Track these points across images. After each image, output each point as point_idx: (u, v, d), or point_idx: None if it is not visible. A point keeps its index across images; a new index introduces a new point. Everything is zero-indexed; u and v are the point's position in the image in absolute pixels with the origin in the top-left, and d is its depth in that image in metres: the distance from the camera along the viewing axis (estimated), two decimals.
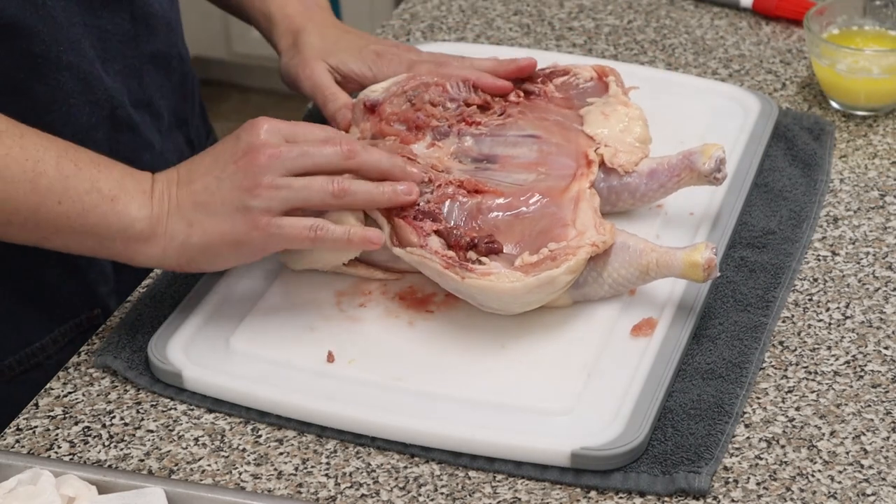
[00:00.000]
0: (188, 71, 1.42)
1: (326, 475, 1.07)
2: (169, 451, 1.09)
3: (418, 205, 1.17)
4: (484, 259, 1.13)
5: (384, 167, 1.15)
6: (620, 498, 1.04)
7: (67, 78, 1.23)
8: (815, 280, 1.23)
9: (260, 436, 1.10)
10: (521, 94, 1.31)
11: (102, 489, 1.02)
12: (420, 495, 1.04)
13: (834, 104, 1.45)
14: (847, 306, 1.20)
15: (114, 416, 1.12)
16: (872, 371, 1.13)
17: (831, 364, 1.14)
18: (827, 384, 1.12)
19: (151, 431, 1.11)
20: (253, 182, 1.10)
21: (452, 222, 1.16)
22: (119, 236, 1.10)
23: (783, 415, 1.10)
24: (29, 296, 1.28)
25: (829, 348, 1.16)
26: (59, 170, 1.09)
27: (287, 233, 1.10)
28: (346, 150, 1.13)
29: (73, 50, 1.23)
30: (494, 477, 1.06)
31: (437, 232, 1.15)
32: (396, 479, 1.06)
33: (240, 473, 1.07)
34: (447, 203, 1.17)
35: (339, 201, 1.12)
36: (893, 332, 1.17)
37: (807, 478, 1.04)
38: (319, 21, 1.38)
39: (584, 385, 1.10)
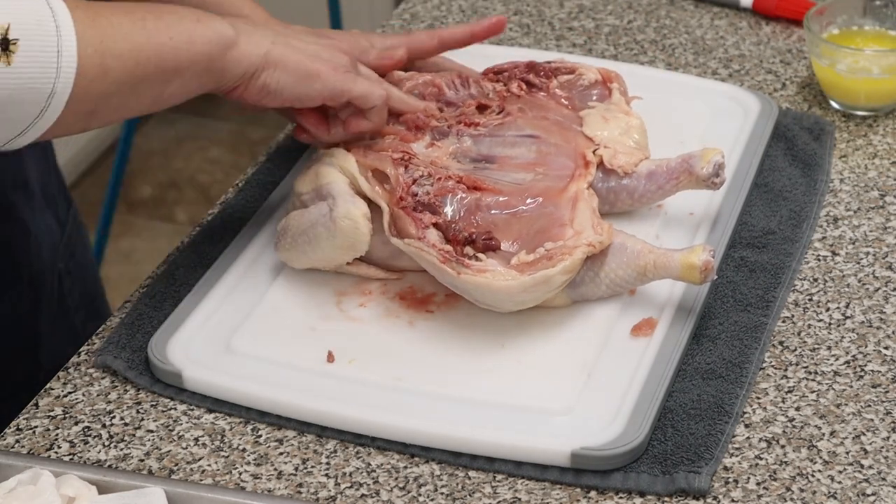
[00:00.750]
0: (45, 143, 1.38)
1: (326, 475, 1.07)
2: (169, 451, 1.09)
3: (417, 196, 1.17)
4: (481, 255, 1.13)
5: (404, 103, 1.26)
6: (620, 498, 1.04)
7: None
8: (815, 280, 1.23)
9: (260, 436, 1.10)
10: (524, 85, 1.31)
11: (102, 489, 1.02)
12: (420, 495, 1.04)
13: (834, 104, 1.45)
14: (847, 306, 1.20)
15: (114, 416, 1.12)
16: (872, 371, 1.13)
17: (831, 364, 1.14)
18: (827, 384, 1.12)
19: (151, 431, 1.11)
20: (329, 45, 1.21)
21: (451, 216, 1.16)
22: (218, 50, 1.13)
23: (783, 415, 1.10)
24: None
25: (829, 348, 1.16)
26: (148, 13, 1.11)
27: (360, 82, 1.19)
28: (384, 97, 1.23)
29: None
30: (494, 477, 1.06)
31: (435, 225, 1.16)
32: (396, 479, 1.06)
33: (240, 473, 1.07)
34: (447, 197, 1.17)
35: (386, 91, 1.23)
36: (893, 332, 1.17)
37: (807, 478, 1.04)
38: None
39: (584, 385, 1.10)
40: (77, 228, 1.46)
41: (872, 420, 1.09)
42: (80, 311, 1.42)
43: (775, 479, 1.04)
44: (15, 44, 0.98)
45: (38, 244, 1.31)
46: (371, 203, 1.18)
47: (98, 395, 1.14)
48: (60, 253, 1.40)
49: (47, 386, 1.15)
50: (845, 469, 1.05)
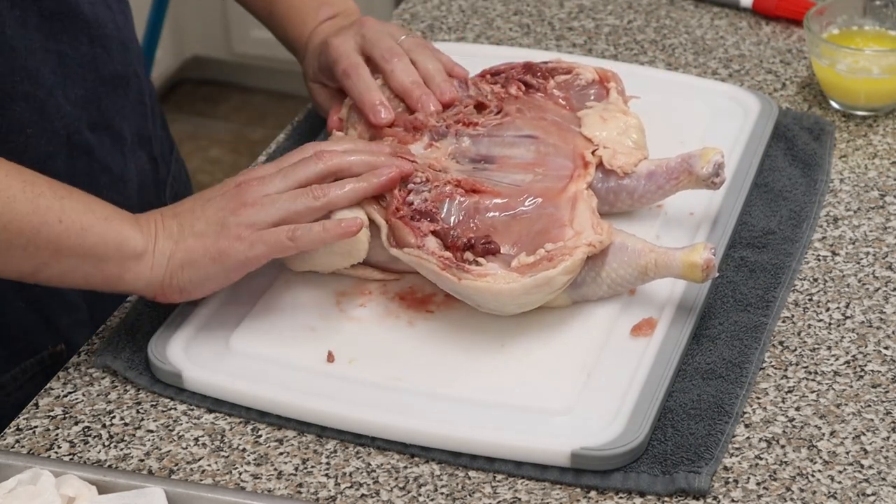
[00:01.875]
0: (146, 88, 1.40)
1: (326, 475, 1.07)
2: (169, 451, 1.09)
3: (414, 205, 1.17)
4: (481, 260, 1.13)
5: (367, 160, 1.17)
6: (620, 498, 1.04)
7: (24, 108, 1.21)
8: (815, 280, 1.23)
9: (260, 436, 1.10)
10: (522, 86, 1.31)
11: (102, 489, 1.02)
12: (420, 495, 1.04)
13: (834, 104, 1.45)
14: (847, 306, 1.20)
15: (114, 416, 1.12)
16: (872, 371, 1.13)
17: (831, 364, 1.14)
18: (827, 384, 1.12)
19: (151, 431, 1.11)
20: (237, 202, 1.13)
21: (450, 222, 1.16)
22: (115, 255, 1.10)
23: (783, 415, 1.10)
24: None
25: (829, 348, 1.16)
26: (55, 192, 1.09)
27: (267, 239, 1.12)
28: (318, 155, 1.15)
29: (29, 79, 1.21)
30: (494, 477, 1.06)
31: (434, 232, 1.15)
32: (396, 479, 1.06)
33: (240, 473, 1.07)
34: (445, 203, 1.17)
35: (321, 202, 1.13)
36: (893, 332, 1.17)
37: (807, 478, 1.04)
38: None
39: (584, 385, 1.10)
40: (180, 168, 1.50)
41: (872, 420, 1.09)
42: None
43: (775, 479, 1.04)
44: None
45: (124, 183, 1.33)
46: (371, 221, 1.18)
47: (98, 395, 1.14)
48: (161, 192, 1.43)
49: (47, 386, 1.15)
50: (845, 469, 1.05)
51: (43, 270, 1.10)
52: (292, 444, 1.09)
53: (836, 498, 1.03)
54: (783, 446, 1.07)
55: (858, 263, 1.24)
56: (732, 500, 1.03)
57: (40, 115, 1.23)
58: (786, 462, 1.06)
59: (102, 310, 1.25)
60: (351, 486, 1.05)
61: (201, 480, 1.06)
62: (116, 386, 1.15)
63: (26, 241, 1.08)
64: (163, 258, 1.12)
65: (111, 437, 1.10)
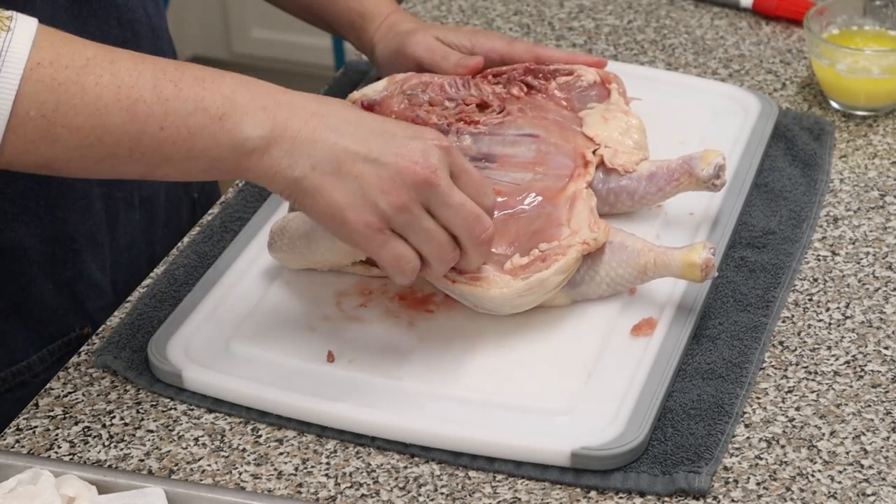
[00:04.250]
0: None
1: (326, 475, 1.07)
2: (169, 451, 1.09)
3: None
4: None
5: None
6: (620, 498, 1.04)
7: None
8: (815, 280, 1.23)
9: (260, 436, 1.10)
10: (524, 87, 1.31)
11: (102, 489, 1.02)
12: (420, 495, 1.04)
13: (834, 104, 1.45)
14: (847, 306, 1.20)
15: (114, 416, 1.12)
16: (872, 371, 1.13)
17: (831, 364, 1.14)
18: (827, 384, 1.12)
19: (151, 431, 1.11)
20: (399, 194, 1.02)
21: None
22: (230, 155, 1.01)
23: (783, 415, 1.10)
24: (15, 312, 1.25)
25: (829, 348, 1.16)
26: (157, 93, 0.99)
27: (391, 247, 1.04)
28: (482, 236, 1.07)
29: None
30: (494, 477, 1.06)
31: None
32: (396, 479, 1.06)
33: (240, 473, 1.07)
34: None
35: (440, 266, 1.07)
36: (893, 332, 1.17)
37: (807, 478, 1.04)
38: (409, 16, 1.42)
39: (584, 385, 1.10)
40: None
41: (872, 420, 1.09)
42: None
43: (775, 479, 1.04)
44: None
45: None
46: None
47: (98, 395, 1.14)
48: (190, 184, 1.43)
49: (47, 386, 1.15)
50: (845, 469, 1.05)
51: (156, 172, 1.03)
52: (292, 444, 1.09)
53: (836, 498, 1.03)
54: (783, 446, 1.07)
55: (858, 263, 1.24)
56: (732, 500, 1.03)
57: None
58: (786, 462, 1.06)
59: (128, 294, 1.25)
60: (351, 486, 1.05)
61: (201, 480, 1.06)
62: (116, 386, 1.15)
63: (128, 151, 1.00)
64: (291, 171, 1.01)
65: (111, 437, 1.10)
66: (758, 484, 1.04)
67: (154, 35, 1.33)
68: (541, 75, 1.32)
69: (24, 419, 1.12)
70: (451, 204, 1.04)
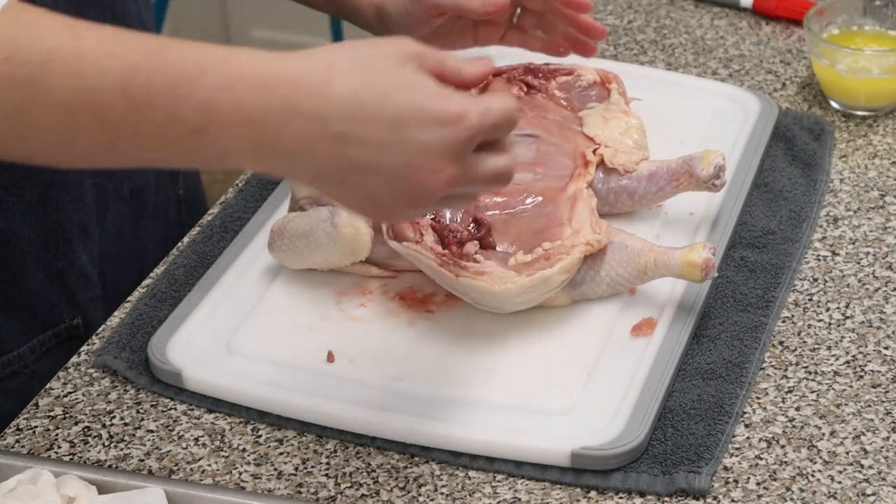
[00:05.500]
0: None
1: (326, 475, 1.07)
2: (169, 451, 1.09)
3: None
4: (478, 257, 1.13)
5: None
6: (620, 498, 1.04)
7: None
8: (815, 280, 1.23)
9: (260, 436, 1.10)
10: (524, 87, 1.31)
11: (102, 489, 1.02)
12: (420, 495, 1.04)
13: (834, 104, 1.44)
14: (847, 306, 1.20)
15: (114, 416, 1.12)
16: (872, 371, 1.13)
17: (831, 364, 1.14)
18: (827, 384, 1.12)
19: (151, 431, 1.11)
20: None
21: (448, 217, 1.16)
22: (216, 163, 0.91)
23: (783, 415, 1.10)
24: (6, 301, 1.24)
25: (829, 348, 1.16)
26: (127, 100, 0.87)
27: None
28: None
29: None
30: (494, 477, 1.06)
31: (433, 228, 1.16)
32: (396, 479, 1.06)
33: (240, 473, 1.07)
34: None
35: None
36: (893, 332, 1.17)
37: (807, 478, 1.04)
38: None
39: (584, 385, 1.10)
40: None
41: (872, 420, 1.09)
42: None
43: (775, 479, 1.04)
44: None
45: (145, 177, 1.31)
46: None
47: (98, 395, 1.14)
48: (177, 181, 1.41)
49: (47, 386, 1.15)
50: (845, 469, 1.05)
51: (144, 168, 0.95)
52: (292, 444, 1.09)
53: (836, 498, 1.03)
54: (783, 446, 1.07)
55: (858, 263, 1.24)
56: (732, 500, 1.03)
57: None
58: (786, 462, 1.06)
59: (115, 287, 1.25)
60: (351, 486, 1.05)
61: (201, 480, 1.06)
62: (116, 386, 1.15)
63: (106, 153, 0.91)
64: (290, 171, 0.92)
65: (111, 437, 1.10)
66: (758, 484, 1.04)
67: (144, 30, 1.31)
68: (540, 75, 1.32)
69: (24, 419, 1.12)
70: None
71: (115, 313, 1.22)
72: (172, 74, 0.88)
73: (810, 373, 1.13)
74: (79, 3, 1.22)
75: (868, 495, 1.03)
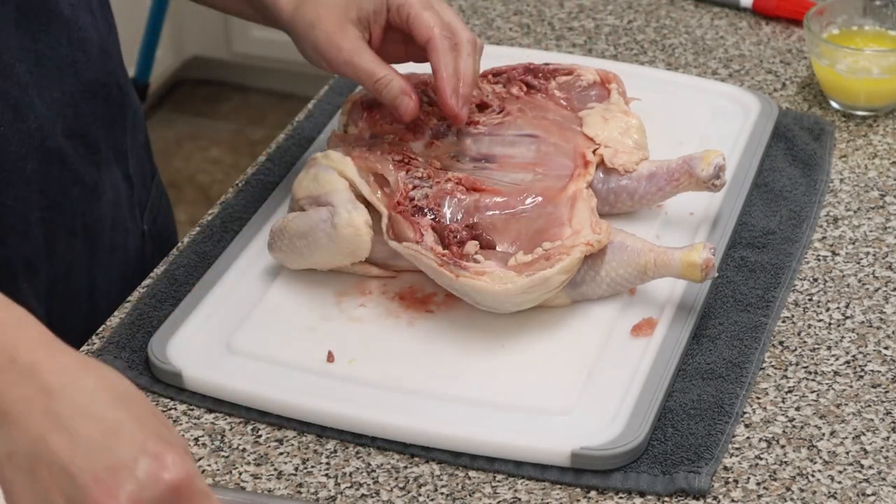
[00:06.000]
0: (130, 103, 1.33)
1: (326, 475, 1.07)
2: None
3: (415, 200, 1.17)
4: (478, 257, 1.14)
5: None
6: (620, 498, 1.04)
7: None
8: (815, 280, 1.23)
9: (260, 436, 1.10)
10: (524, 87, 1.31)
11: None
12: (420, 495, 1.05)
13: (834, 104, 1.45)
14: (847, 306, 1.20)
15: None
16: (872, 371, 1.13)
17: (831, 364, 1.14)
18: (827, 384, 1.12)
19: None
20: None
21: (450, 219, 1.16)
22: None
23: (783, 415, 1.10)
24: None
25: (829, 348, 1.16)
26: None
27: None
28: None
29: (3, 75, 1.15)
30: (494, 477, 1.06)
31: (433, 229, 1.16)
32: (396, 479, 1.06)
33: (240, 473, 1.07)
34: (445, 200, 1.18)
35: None
36: (893, 332, 1.17)
37: (807, 478, 1.04)
38: None
39: (584, 385, 1.10)
40: (160, 196, 1.43)
41: (872, 420, 1.09)
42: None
43: (775, 479, 1.04)
44: None
45: (97, 197, 1.27)
46: (369, 206, 1.18)
47: None
48: (138, 216, 1.36)
49: None
50: (845, 469, 1.05)
51: None
52: (292, 444, 1.09)
53: (836, 498, 1.03)
54: (783, 446, 1.07)
55: (858, 263, 1.24)
56: (732, 500, 1.03)
57: (13, 113, 1.17)
58: (786, 462, 1.06)
59: (62, 326, 1.12)
60: (351, 486, 1.05)
61: None
62: None
63: None
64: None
65: None
66: (758, 484, 1.04)
67: (106, 56, 1.27)
68: (540, 75, 1.32)
69: None
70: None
71: (115, 313, 1.22)
72: None
73: (810, 373, 1.13)
74: (31, 27, 1.19)
75: (868, 495, 1.03)
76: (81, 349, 1.19)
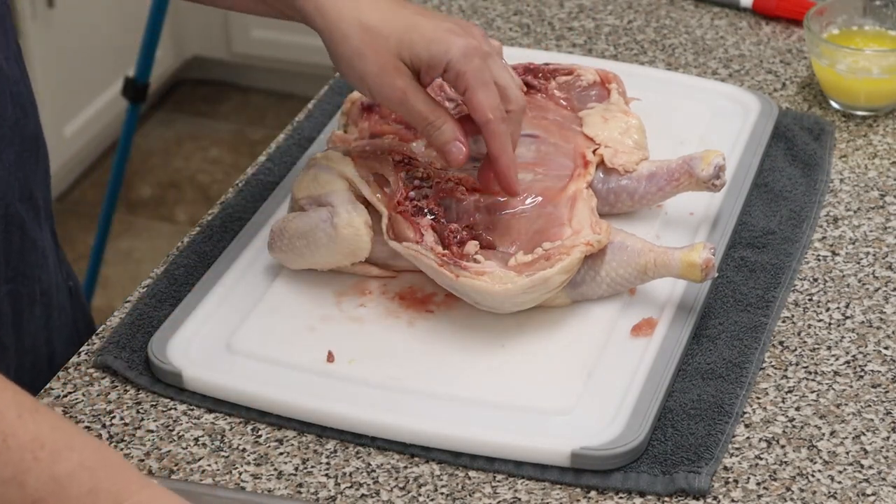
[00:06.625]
0: (46, 153, 1.24)
1: (326, 475, 1.07)
2: (169, 451, 1.09)
3: (415, 201, 1.17)
4: (479, 257, 1.14)
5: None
6: (620, 498, 1.04)
7: None
8: (815, 280, 1.23)
9: (260, 436, 1.10)
10: (524, 87, 1.31)
11: None
12: (420, 495, 1.05)
13: (834, 104, 1.45)
14: (847, 306, 1.20)
15: (114, 416, 1.12)
16: (872, 371, 1.13)
17: (831, 364, 1.14)
18: (827, 384, 1.12)
19: (151, 431, 1.11)
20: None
21: (450, 219, 1.17)
22: None
23: (783, 415, 1.10)
24: None
25: (829, 348, 1.16)
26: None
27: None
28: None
29: None
30: (494, 477, 1.06)
31: (433, 229, 1.16)
32: (396, 479, 1.06)
33: (240, 473, 1.07)
34: (445, 200, 1.18)
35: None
36: (893, 332, 1.17)
37: (807, 478, 1.04)
38: None
39: (584, 385, 1.10)
40: (67, 271, 1.34)
41: (872, 420, 1.09)
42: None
43: (775, 479, 1.04)
44: None
45: (45, 260, 1.23)
46: (369, 206, 1.18)
47: (98, 395, 1.14)
48: (65, 271, 1.32)
49: (47, 386, 1.15)
50: (845, 469, 1.05)
51: None
52: (292, 444, 1.09)
53: (836, 498, 1.03)
54: (783, 446, 1.07)
55: (858, 263, 1.24)
56: (732, 500, 1.03)
57: None
58: (786, 462, 1.06)
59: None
60: (351, 486, 1.05)
61: (201, 480, 1.06)
62: (116, 386, 1.15)
63: None
64: None
65: (111, 437, 1.10)
66: (758, 484, 1.04)
67: (34, 109, 1.19)
68: (540, 75, 1.32)
69: None
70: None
71: (115, 313, 1.22)
72: (49, 432, 0.88)
73: (810, 373, 1.13)
74: None
75: (868, 495, 1.03)
76: (81, 349, 1.19)
